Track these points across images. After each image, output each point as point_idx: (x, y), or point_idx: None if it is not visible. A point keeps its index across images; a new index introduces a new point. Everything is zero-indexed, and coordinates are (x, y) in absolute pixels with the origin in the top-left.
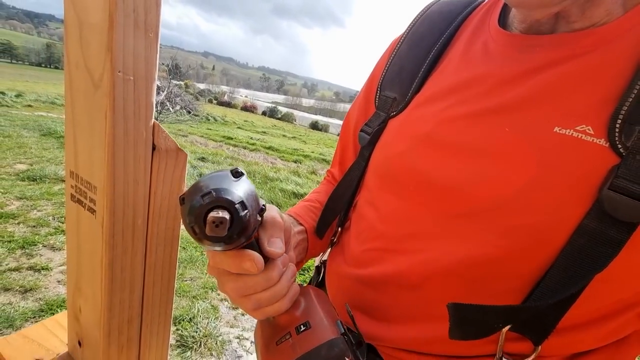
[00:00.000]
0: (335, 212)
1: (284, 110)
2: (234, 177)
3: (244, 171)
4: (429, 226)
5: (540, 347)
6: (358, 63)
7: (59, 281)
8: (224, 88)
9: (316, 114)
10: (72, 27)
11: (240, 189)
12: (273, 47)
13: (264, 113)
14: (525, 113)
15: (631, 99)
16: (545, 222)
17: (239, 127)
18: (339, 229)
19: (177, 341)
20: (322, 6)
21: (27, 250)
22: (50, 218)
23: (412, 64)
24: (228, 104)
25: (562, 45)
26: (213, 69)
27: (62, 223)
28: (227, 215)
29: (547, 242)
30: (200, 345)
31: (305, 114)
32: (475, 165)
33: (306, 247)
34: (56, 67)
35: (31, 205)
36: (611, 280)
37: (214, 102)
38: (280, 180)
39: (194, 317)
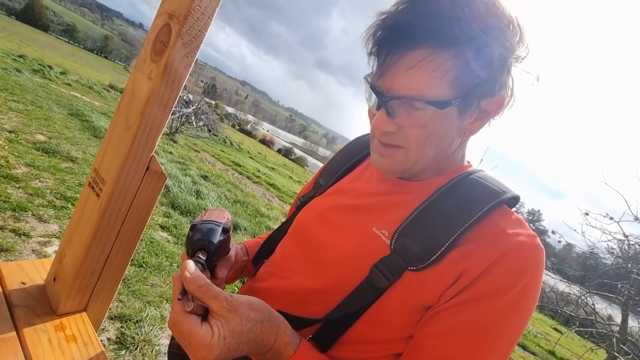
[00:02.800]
0: (268, 249)
1: (299, 153)
2: (223, 233)
3: (231, 229)
4: (298, 264)
5: (326, 352)
6: None
7: (33, 250)
8: (250, 117)
9: None
10: (128, 93)
11: (221, 243)
12: (307, 93)
13: (279, 150)
14: (365, 215)
15: (405, 224)
16: (349, 276)
17: (250, 157)
18: (264, 260)
19: (117, 337)
20: (361, 71)
21: (16, 214)
22: (48, 191)
23: (336, 167)
24: (249, 133)
25: (396, 185)
26: (246, 97)
27: (57, 198)
28: (203, 260)
29: (347, 287)
30: (136, 348)
31: (318, 162)
32: (333, 235)
33: (243, 269)
34: (106, 57)
35: (36, 175)
36: (373, 324)
37: (236, 127)
38: (270, 218)
39: (140, 321)
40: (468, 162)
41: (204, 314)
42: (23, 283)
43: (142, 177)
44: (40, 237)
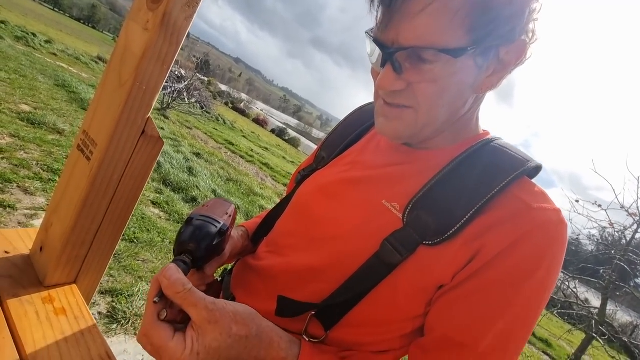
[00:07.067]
0: (267, 228)
1: (292, 134)
2: (219, 235)
3: (231, 227)
4: (298, 242)
5: (328, 333)
6: None
7: (19, 222)
8: (244, 96)
9: None
10: (121, 46)
11: (213, 248)
12: (302, 73)
13: (272, 131)
14: (374, 186)
15: (419, 196)
16: (355, 252)
17: (244, 136)
18: (263, 238)
19: (108, 312)
20: (358, 51)
21: (0, 186)
22: (34, 163)
23: (339, 140)
24: (242, 112)
25: (407, 154)
26: (240, 75)
27: (44, 170)
28: (188, 261)
29: (352, 264)
30: (128, 322)
31: (311, 144)
32: (336, 209)
33: (244, 249)
34: (93, 27)
35: (21, 146)
36: (378, 304)
37: (230, 105)
38: (263, 198)
39: (132, 295)
40: (484, 131)
41: (183, 320)
42: (7, 252)
43: (137, 141)
44: (26, 209)
